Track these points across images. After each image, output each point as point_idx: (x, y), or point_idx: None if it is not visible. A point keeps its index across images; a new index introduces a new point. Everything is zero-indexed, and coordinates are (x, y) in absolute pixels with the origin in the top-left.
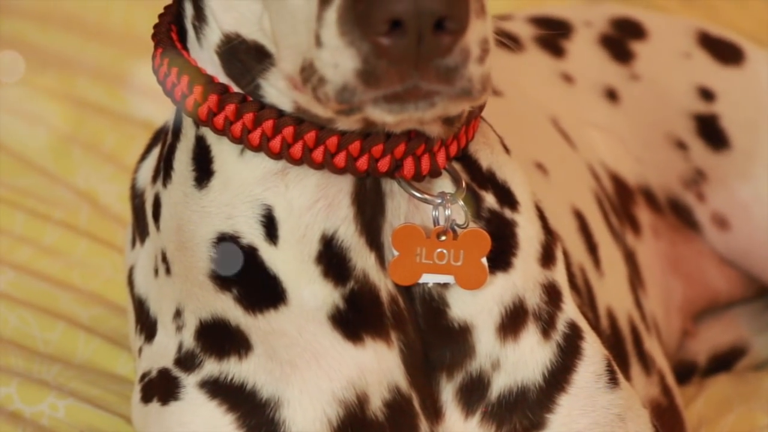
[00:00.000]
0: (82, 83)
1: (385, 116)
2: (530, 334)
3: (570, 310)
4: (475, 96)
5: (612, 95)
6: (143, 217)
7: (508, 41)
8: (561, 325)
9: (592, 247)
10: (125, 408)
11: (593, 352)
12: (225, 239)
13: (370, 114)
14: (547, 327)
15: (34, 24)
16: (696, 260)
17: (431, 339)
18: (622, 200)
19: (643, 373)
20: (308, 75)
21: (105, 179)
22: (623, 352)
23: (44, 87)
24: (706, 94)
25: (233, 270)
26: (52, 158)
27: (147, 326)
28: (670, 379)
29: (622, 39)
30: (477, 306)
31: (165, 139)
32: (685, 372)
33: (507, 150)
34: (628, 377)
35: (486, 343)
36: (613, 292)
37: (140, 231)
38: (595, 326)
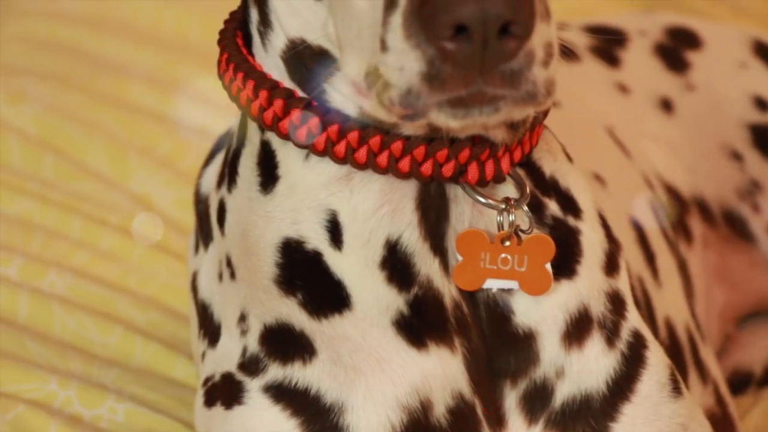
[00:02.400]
0: (135, 89)
1: (449, 121)
2: (595, 343)
3: (634, 318)
4: (539, 100)
5: (667, 105)
6: (207, 222)
7: (567, 49)
8: (625, 334)
9: (649, 258)
10: (183, 412)
11: (657, 361)
12: (290, 244)
13: (435, 119)
14: (611, 335)
15: (87, 29)
16: (746, 270)
17: (495, 345)
18: (676, 209)
19: (700, 382)
20: (373, 80)
21: (159, 184)
22: (682, 361)
23: (99, 93)
24: (762, 104)
25: (298, 275)
26: (108, 163)
27: (210, 331)
28: (724, 389)
29: (677, 48)
30: (542, 313)
31: (229, 145)
32: (741, 382)
33: (569, 158)
34: (687, 387)
35: (550, 350)
36: (670, 302)
37: (204, 236)
38: (655, 336)
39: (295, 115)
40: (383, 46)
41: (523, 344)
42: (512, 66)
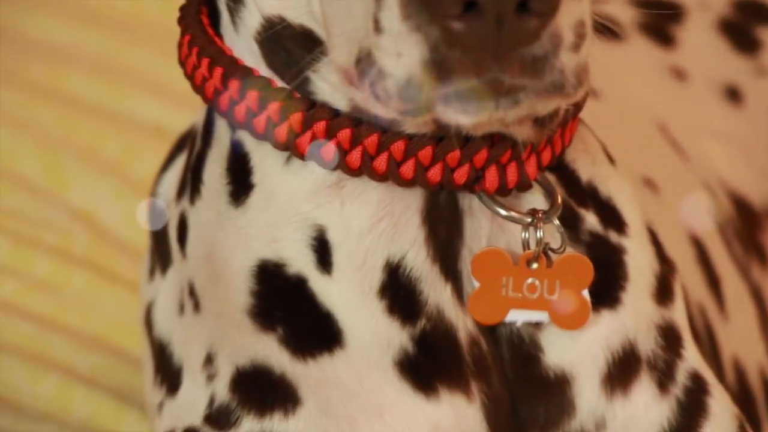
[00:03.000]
0: (76, 80)
1: (459, 117)
2: (644, 387)
3: (692, 357)
4: (568, 91)
5: (734, 95)
6: (165, 241)
7: (609, 25)
8: (681, 377)
9: (713, 283)
10: None
11: (721, 410)
12: (268, 267)
13: (441, 114)
14: (664, 378)
15: (14, 6)
16: None
17: (521, 391)
18: (747, 225)
19: None
20: (365, 67)
21: (106, 196)
22: (754, 411)
23: (30, 84)
24: None
25: (278, 305)
26: (42, 171)
27: (169, 375)
28: None
29: (746, 24)
30: (577, 351)
31: (192, 146)
32: None
33: (611, 160)
34: None
35: (589, 397)
36: (740, 338)
37: (161, 259)
38: (720, 379)
39: (273, 109)
40: (377, 27)
41: (555, 390)
42: (534, 51)
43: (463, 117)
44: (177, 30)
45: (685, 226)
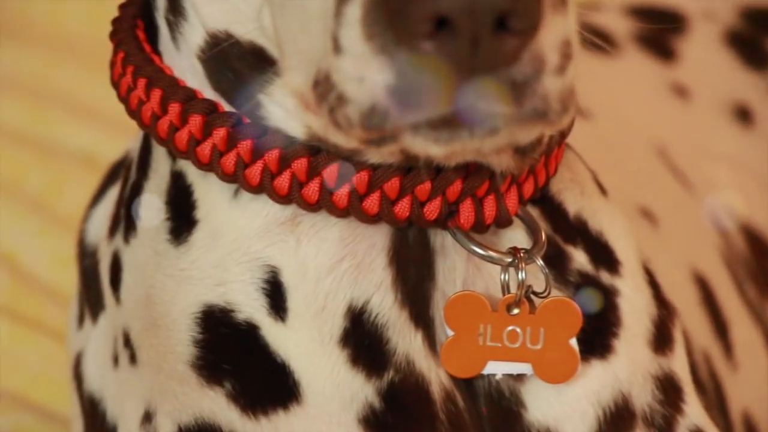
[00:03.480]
0: None
1: (429, 147)
2: None
3: (694, 412)
4: (552, 119)
5: (744, 115)
6: (96, 284)
7: (599, 41)
8: None
9: (720, 328)
10: None
11: None
12: (214, 313)
13: (409, 144)
14: None
15: None
16: None
17: None
18: (760, 262)
19: None
20: (324, 91)
21: (28, 234)
22: None
23: None
24: None
25: (226, 356)
26: None
27: None
28: None
29: (756, 36)
30: (564, 407)
31: (126, 177)
32: None
33: (603, 190)
34: None
35: None
36: (750, 389)
37: (91, 304)
38: None
39: (220, 136)
40: (336, 47)
41: None
42: (514, 75)
43: (434, 147)
44: (109, 46)
45: (688, 264)
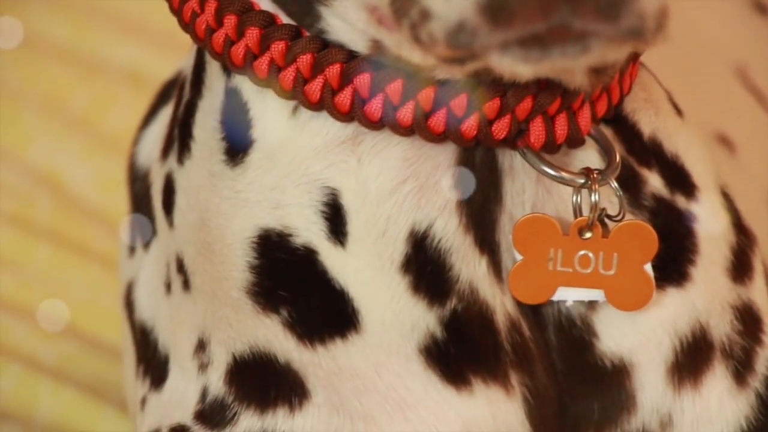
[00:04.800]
0: (36, 17)
1: (517, 66)
2: (717, 379)
3: None
4: (646, 37)
5: None
6: (148, 208)
7: None
8: (762, 367)
9: None
10: None
11: None
12: (270, 238)
13: (496, 63)
14: (741, 368)
15: None
16: None
17: (571, 384)
18: None
19: None
20: (403, 7)
21: (72, 155)
22: None
23: None
24: None
25: (282, 282)
26: None
27: (154, 365)
28: None
29: None
30: (638, 336)
31: (179, 96)
32: None
33: (679, 111)
34: None
35: (652, 390)
36: None
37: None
38: None
39: (278, 50)
40: None
41: (612, 382)
42: None
43: (522, 66)
44: None
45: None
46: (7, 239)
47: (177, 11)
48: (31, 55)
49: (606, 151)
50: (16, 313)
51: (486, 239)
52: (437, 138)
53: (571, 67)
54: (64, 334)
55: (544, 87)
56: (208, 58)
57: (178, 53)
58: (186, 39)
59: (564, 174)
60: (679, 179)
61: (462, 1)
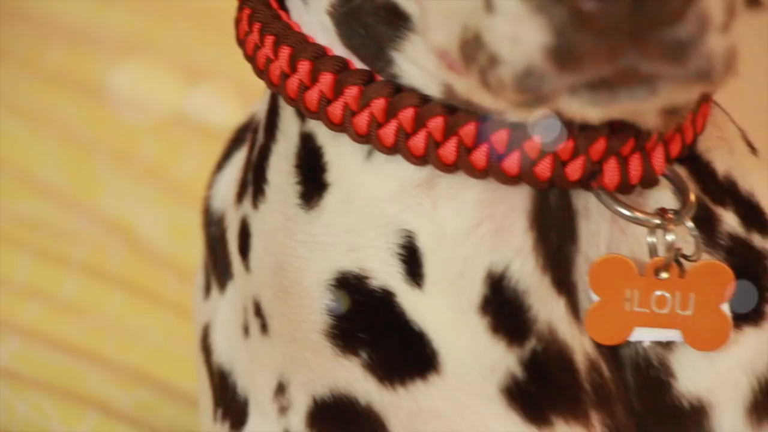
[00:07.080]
0: (102, 65)
1: (586, 109)
2: None
3: None
4: (714, 79)
5: None
6: (224, 252)
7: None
8: None
9: None
10: None
11: None
12: (348, 280)
13: (565, 106)
14: None
15: None
16: None
17: (649, 424)
18: None
19: None
20: (472, 52)
21: (143, 203)
22: None
23: (47, 70)
24: None
25: (361, 324)
26: (67, 174)
27: (233, 409)
28: None
29: None
30: (716, 376)
31: (253, 140)
32: None
33: (753, 149)
34: None
35: (731, 430)
36: None
37: (219, 273)
38: None
39: (351, 95)
40: (488, 5)
41: (691, 422)
42: (677, 33)
43: (591, 109)
44: (219, 4)
45: None
46: (80, 287)
47: (251, 57)
48: (98, 105)
49: (680, 191)
50: (90, 360)
51: (563, 280)
52: (511, 180)
53: (640, 109)
54: (138, 381)
55: (618, 128)
56: (282, 102)
57: (245, 100)
58: (254, 86)
59: (639, 214)
60: (755, 217)
61: (529, 46)
